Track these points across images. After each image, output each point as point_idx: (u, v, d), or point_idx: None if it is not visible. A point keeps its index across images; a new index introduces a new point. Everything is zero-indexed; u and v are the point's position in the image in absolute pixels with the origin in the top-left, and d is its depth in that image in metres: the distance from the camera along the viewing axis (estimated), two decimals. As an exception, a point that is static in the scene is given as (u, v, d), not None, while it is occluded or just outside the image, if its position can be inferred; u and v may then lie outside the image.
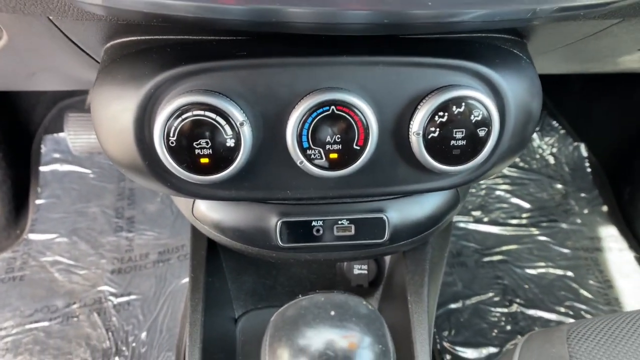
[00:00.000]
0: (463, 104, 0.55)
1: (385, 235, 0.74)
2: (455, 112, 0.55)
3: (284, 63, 0.54)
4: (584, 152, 2.00)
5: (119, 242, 1.61)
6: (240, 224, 0.74)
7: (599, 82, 1.93)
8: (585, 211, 1.87)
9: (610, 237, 1.81)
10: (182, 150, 0.53)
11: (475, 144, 0.57)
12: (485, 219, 1.80)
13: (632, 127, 1.86)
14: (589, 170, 1.97)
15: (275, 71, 0.54)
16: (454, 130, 0.56)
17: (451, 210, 0.82)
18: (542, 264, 1.70)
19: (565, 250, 1.74)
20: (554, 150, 2.01)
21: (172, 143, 0.53)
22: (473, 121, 0.56)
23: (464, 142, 0.57)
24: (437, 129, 0.56)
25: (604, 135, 1.98)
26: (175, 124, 0.52)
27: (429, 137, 0.56)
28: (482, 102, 0.55)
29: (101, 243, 1.60)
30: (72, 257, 1.55)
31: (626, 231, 1.82)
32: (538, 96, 0.63)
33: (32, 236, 1.59)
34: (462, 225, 1.77)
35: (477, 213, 1.82)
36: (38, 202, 1.66)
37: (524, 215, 1.83)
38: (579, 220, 1.84)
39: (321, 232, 0.73)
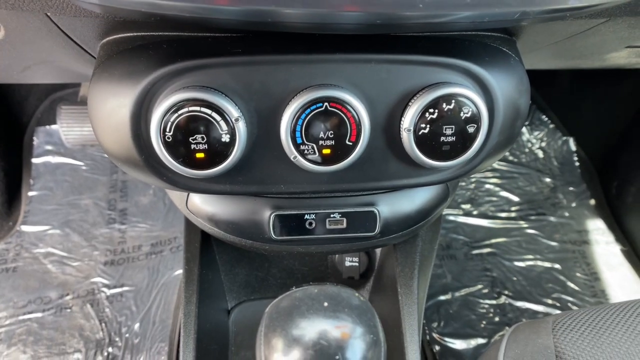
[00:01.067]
0: (453, 101, 0.56)
1: (377, 229, 0.75)
2: (445, 109, 0.56)
3: (278, 60, 0.55)
4: (573, 146, 2.03)
5: (112, 234, 1.61)
6: (234, 217, 0.75)
7: (587, 78, 1.96)
8: (573, 205, 1.90)
9: (598, 230, 1.84)
10: (178, 145, 0.54)
11: (464, 140, 0.59)
12: (475, 212, 1.83)
13: (620, 122, 1.89)
14: (577, 164, 2.00)
15: (270, 68, 0.55)
16: (444, 127, 0.58)
17: (441, 204, 0.83)
18: (530, 256, 1.72)
19: (553, 243, 1.77)
20: (543, 144, 2.03)
21: (168, 138, 0.54)
22: (462, 118, 0.57)
23: (453, 138, 0.58)
24: (428, 126, 0.57)
25: (592, 130, 2.01)
26: (172, 120, 0.53)
27: (420, 133, 0.58)
28: (472, 100, 0.57)
29: (94, 235, 1.60)
30: (64, 249, 1.56)
31: (613, 224, 1.86)
32: (526, 93, 0.64)
33: (25, 228, 1.59)
34: (451, 218, 1.80)
35: (466, 206, 1.84)
36: (30, 194, 1.66)
37: (513, 208, 1.86)
38: (567, 214, 1.87)
39: (313, 225, 0.74)
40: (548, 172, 1.97)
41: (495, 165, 1.97)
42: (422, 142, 0.58)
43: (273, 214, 0.73)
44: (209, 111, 0.53)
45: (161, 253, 1.57)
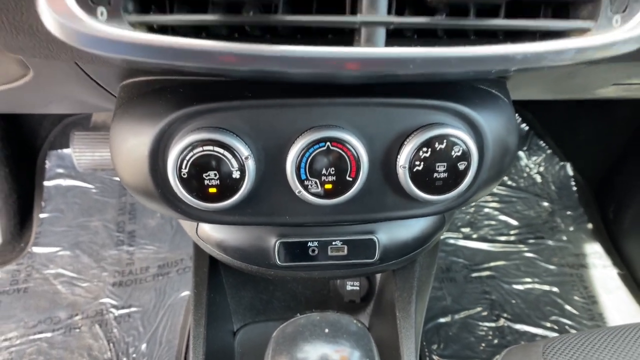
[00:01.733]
0: (445, 140, 0.61)
1: (376, 256, 0.80)
2: (438, 148, 0.61)
3: (284, 104, 0.60)
4: (570, 171, 2.07)
5: (120, 256, 1.65)
6: (242, 244, 0.80)
7: (583, 104, 2.01)
8: (571, 228, 1.93)
9: (595, 253, 1.87)
10: (193, 181, 0.59)
11: (456, 176, 0.63)
12: (474, 236, 1.86)
13: (616, 147, 1.93)
14: (574, 188, 2.04)
15: (277, 111, 0.60)
16: (437, 164, 0.62)
17: (437, 231, 0.88)
18: (529, 279, 1.75)
19: (551, 267, 1.80)
20: (541, 169, 2.08)
21: (184, 174, 0.58)
22: (454, 156, 0.62)
23: (445, 175, 0.63)
24: (422, 163, 0.62)
25: (588, 155, 2.05)
26: (187, 158, 0.58)
27: (414, 170, 0.62)
28: (462, 140, 0.61)
29: (103, 256, 1.65)
30: (74, 270, 1.60)
31: (610, 248, 1.89)
32: (514, 132, 0.69)
33: (36, 249, 1.64)
34: (451, 241, 1.83)
35: (466, 230, 1.88)
36: (42, 216, 1.71)
37: (512, 232, 1.89)
38: (564, 237, 1.90)
39: (316, 252, 0.79)
40: (546, 197, 2.01)
41: (494, 189, 2.01)
42: (417, 178, 0.63)
43: (278, 242, 0.77)
44: (221, 150, 0.58)
45: (168, 275, 1.61)
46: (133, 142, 0.61)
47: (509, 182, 2.03)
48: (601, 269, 1.83)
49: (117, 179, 1.81)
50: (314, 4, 0.46)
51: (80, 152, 1.54)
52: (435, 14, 0.45)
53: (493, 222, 1.91)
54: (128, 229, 1.73)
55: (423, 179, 0.63)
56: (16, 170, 1.69)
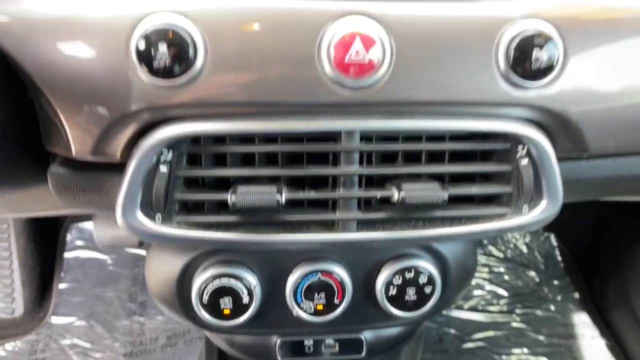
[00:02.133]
0: (413, 269, 0.76)
1: (363, 352, 0.93)
2: (407, 277, 0.76)
3: None
4: (554, 241, 2.18)
5: (132, 326, 1.77)
6: (247, 341, 0.94)
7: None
8: (559, 298, 2.01)
9: (583, 324, 1.92)
10: (211, 305, 0.74)
11: (424, 297, 0.78)
12: (466, 306, 1.95)
13: (596, 219, 2.02)
14: (559, 258, 2.14)
15: (279, 251, 0.75)
16: (407, 288, 0.77)
17: (417, 327, 1.01)
18: (519, 350, 1.82)
19: (541, 337, 1.86)
20: (527, 240, 2.18)
21: (204, 300, 0.73)
22: (421, 283, 0.77)
23: (415, 297, 0.77)
24: (395, 287, 0.77)
25: (571, 226, 2.13)
26: (207, 287, 0.73)
27: (389, 293, 0.77)
28: (427, 269, 0.76)
29: (115, 327, 1.76)
30: (89, 340, 1.71)
31: (597, 318, 1.94)
32: (473, 255, 0.84)
33: (54, 319, 1.76)
34: (443, 312, 1.93)
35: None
36: (61, 286, 1.84)
37: (501, 301, 1.97)
38: (552, 307, 1.97)
39: (312, 349, 0.92)
40: (532, 267, 2.10)
41: (483, 260, 2.11)
42: (392, 299, 0.77)
43: (279, 340, 0.91)
44: (234, 281, 0.73)
45: (176, 345, 1.72)
46: (164, 270, 0.76)
47: (497, 253, 2.14)
48: (589, 339, 1.88)
49: (131, 250, 1.95)
50: (305, 203, 0.62)
51: (101, 230, 1.68)
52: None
53: (482, 292, 2.00)
54: (140, 299, 1.85)
55: (397, 300, 0.78)
56: (42, 244, 1.84)
